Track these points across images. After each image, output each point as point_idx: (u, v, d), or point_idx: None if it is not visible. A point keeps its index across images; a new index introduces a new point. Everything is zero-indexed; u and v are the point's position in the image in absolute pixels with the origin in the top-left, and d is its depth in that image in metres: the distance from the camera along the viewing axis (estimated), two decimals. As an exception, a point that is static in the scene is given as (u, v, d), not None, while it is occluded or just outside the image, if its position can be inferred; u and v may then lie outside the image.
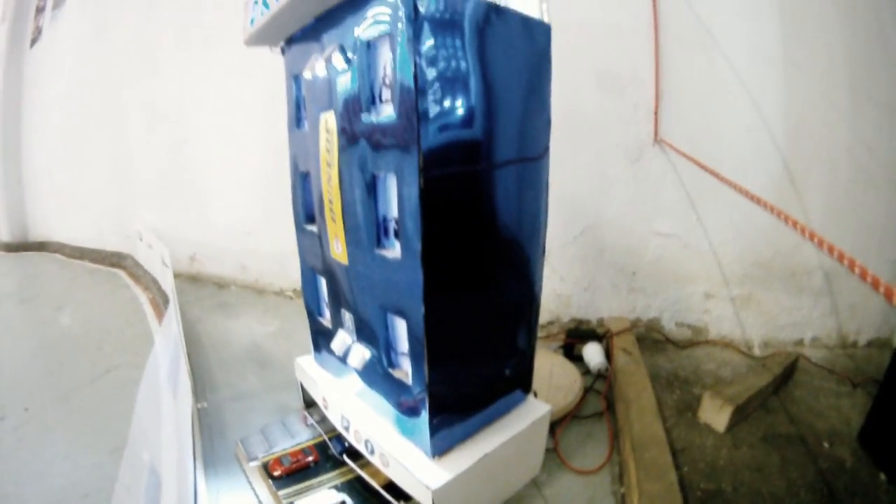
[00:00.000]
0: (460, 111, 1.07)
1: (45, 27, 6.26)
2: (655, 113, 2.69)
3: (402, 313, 1.22)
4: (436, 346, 1.17)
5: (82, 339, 3.76)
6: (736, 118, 2.63)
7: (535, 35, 1.29)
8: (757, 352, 2.71)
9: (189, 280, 4.40)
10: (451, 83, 1.05)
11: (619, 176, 2.77)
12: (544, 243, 1.52)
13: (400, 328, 1.31)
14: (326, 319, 1.83)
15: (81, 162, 5.60)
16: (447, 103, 1.05)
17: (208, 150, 4.00)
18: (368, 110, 1.13)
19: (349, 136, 1.22)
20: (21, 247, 7.13)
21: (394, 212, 1.18)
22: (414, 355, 1.22)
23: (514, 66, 1.20)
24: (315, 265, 1.70)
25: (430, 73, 1.02)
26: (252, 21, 1.40)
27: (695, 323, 2.78)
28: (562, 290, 2.89)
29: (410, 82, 0.99)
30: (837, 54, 2.51)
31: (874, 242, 2.64)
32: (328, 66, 1.25)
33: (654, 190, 2.71)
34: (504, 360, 1.48)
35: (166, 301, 3.57)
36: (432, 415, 1.24)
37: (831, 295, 2.67)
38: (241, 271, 4.01)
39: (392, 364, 1.45)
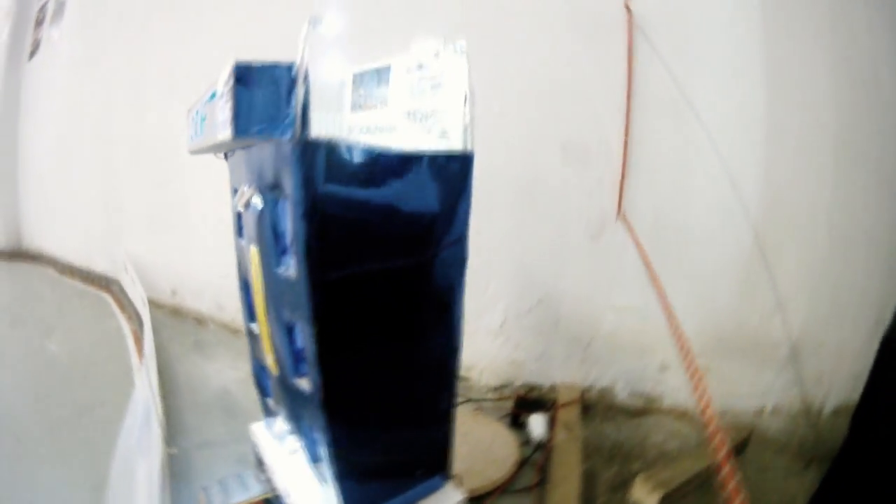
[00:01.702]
0: (356, 261, 1.33)
1: (44, 40, 6.74)
2: (620, 188, 2.91)
3: (319, 433, 1.56)
4: (342, 462, 1.50)
5: (70, 369, 4.20)
6: (707, 187, 2.79)
7: (448, 170, 1.45)
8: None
9: (170, 313, 4.82)
10: (348, 238, 1.29)
11: (578, 249, 3.01)
12: (456, 343, 1.73)
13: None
14: (272, 400, 2.18)
15: (73, 180, 6.07)
16: (344, 256, 1.31)
17: (191, 189, 4.39)
18: (278, 264, 1.45)
19: (268, 278, 1.56)
20: (15, 255, 7.69)
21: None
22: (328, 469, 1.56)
23: (420, 204, 1.41)
24: (259, 358, 2.06)
25: (328, 235, 1.27)
26: (191, 138, 1.73)
27: (649, 392, 3.05)
28: (515, 356, 3.19)
29: (303, 249, 1.23)
30: (824, 116, 2.64)
31: (849, 314, 2.77)
32: (249, 203, 1.57)
33: (615, 264, 2.93)
34: (414, 441, 1.77)
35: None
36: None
37: (797, 366, 2.81)
38: (218, 310, 4.40)
39: (316, 459, 1.79)
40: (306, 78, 1.15)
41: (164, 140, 4.59)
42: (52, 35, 6.56)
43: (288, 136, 1.15)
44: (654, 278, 2.37)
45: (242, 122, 1.13)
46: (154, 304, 4.64)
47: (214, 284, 4.35)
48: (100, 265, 5.76)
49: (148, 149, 4.72)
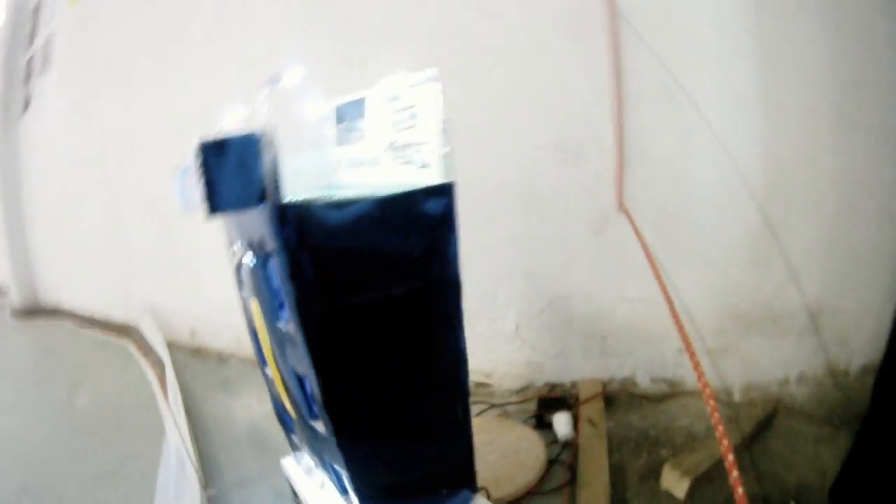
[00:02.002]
0: (349, 310, 1.39)
1: (35, 94, 6.92)
2: (618, 181, 2.91)
3: (340, 468, 1.63)
4: (366, 492, 1.57)
5: (100, 422, 4.33)
6: (708, 170, 2.79)
7: (429, 203, 1.49)
8: (737, 397, 2.92)
9: (192, 354, 4.94)
10: (338, 288, 1.35)
11: (583, 246, 3.03)
12: (461, 360, 1.73)
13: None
14: (295, 437, 2.26)
15: (81, 231, 6.23)
16: (336, 307, 1.38)
17: (198, 227, 4.49)
18: (277, 318, 1.52)
19: (271, 330, 1.63)
20: (33, 311, 7.90)
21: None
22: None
23: (405, 240, 1.46)
24: (277, 398, 2.14)
25: (317, 290, 1.33)
26: (179, 203, 1.79)
27: (670, 377, 3.08)
28: (533, 358, 3.24)
29: (294, 307, 1.29)
30: (822, 82, 2.62)
31: (864, 275, 2.76)
32: (241, 262, 1.64)
33: (621, 257, 2.94)
34: (434, 463, 1.82)
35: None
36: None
37: (818, 333, 2.80)
38: (238, 345, 4.51)
39: (343, 491, 1.86)
40: (272, 143, 1.20)
41: (166, 181, 4.68)
42: (43, 87, 6.72)
43: (262, 206, 1.20)
44: (652, 266, 2.39)
45: (215, 201, 1.19)
46: (175, 347, 4.77)
47: (232, 320, 4.45)
48: (118, 314, 5.92)
49: (151, 192, 4.84)
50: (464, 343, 1.70)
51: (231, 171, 1.20)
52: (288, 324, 1.41)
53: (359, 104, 1.95)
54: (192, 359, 4.84)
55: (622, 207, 2.89)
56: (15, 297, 8.12)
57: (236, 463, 3.45)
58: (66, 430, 4.41)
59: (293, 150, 2.11)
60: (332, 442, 1.48)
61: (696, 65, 2.76)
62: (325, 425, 1.47)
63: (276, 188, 1.22)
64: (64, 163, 6.28)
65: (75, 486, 3.71)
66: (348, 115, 2.05)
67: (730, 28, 2.70)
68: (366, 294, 1.38)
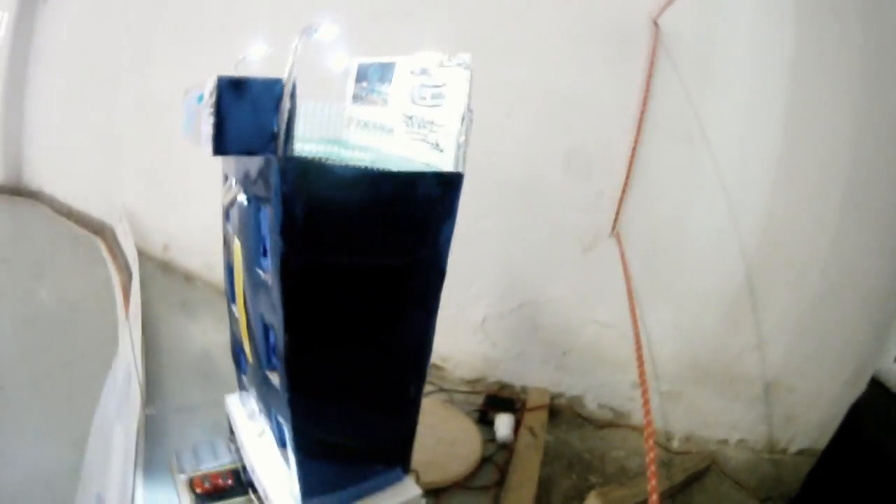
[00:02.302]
0: (332, 272, 1.39)
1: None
2: (619, 205, 2.93)
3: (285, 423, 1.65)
4: (304, 451, 1.60)
5: (57, 318, 4.32)
6: (707, 215, 2.83)
7: (435, 189, 1.49)
8: (676, 444, 3.02)
9: (160, 267, 4.92)
10: (325, 248, 1.33)
11: (568, 260, 3.08)
12: (426, 347, 1.80)
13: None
14: (246, 378, 2.28)
15: (77, 125, 6.12)
16: (319, 266, 1.37)
17: (191, 149, 4.44)
18: (258, 265, 1.53)
19: (248, 273, 1.64)
20: (14, 191, 7.77)
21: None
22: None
23: (402, 218, 1.46)
24: (238, 337, 2.15)
25: (305, 250, 1.34)
26: (183, 128, 1.77)
27: (618, 407, 3.16)
28: (491, 354, 3.30)
29: (279, 265, 1.27)
30: (840, 162, 2.67)
31: (829, 361, 2.86)
32: (234, 200, 1.64)
33: (602, 279, 2.99)
34: (377, 436, 1.86)
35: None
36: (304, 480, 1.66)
37: (768, 404, 2.92)
38: (207, 269, 4.49)
39: (282, 444, 1.90)
40: (293, 94, 1.19)
41: (169, 96, 4.61)
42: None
43: (269, 154, 1.20)
44: (630, 297, 2.44)
45: (223, 142, 1.19)
46: (145, 257, 4.74)
47: (206, 244, 4.43)
48: (96, 210, 5.86)
49: (152, 103, 4.76)
50: (433, 328, 1.73)
51: (245, 114, 1.20)
52: (266, 273, 1.42)
53: (387, 68, 1.93)
54: (159, 272, 4.82)
55: (615, 232, 2.92)
56: (-1, 171, 7.97)
57: (181, 387, 3.48)
58: (22, 319, 4.38)
59: (310, 98, 2.12)
60: (284, 397, 1.51)
61: (723, 109, 2.78)
62: (281, 379, 1.49)
63: (287, 140, 1.21)
64: (74, 57, 6.14)
65: (19, 379, 3.70)
66: (372, 75, 2.03)
67: (766, 83, 2.71)
68: (350, 258, 1.39)
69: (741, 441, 2.98)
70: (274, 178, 1.16)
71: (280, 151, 1.22)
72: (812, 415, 2.87)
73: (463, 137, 1.45)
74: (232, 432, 2.76)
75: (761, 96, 2.70)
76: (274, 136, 1.22)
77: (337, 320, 1.46)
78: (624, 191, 2.89)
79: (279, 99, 1.20)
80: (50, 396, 3.51)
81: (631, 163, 2.86)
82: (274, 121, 1.21)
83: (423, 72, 1.71)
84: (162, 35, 4.74)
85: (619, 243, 2.85)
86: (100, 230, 5.80)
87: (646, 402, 1.99)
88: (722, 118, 2.76)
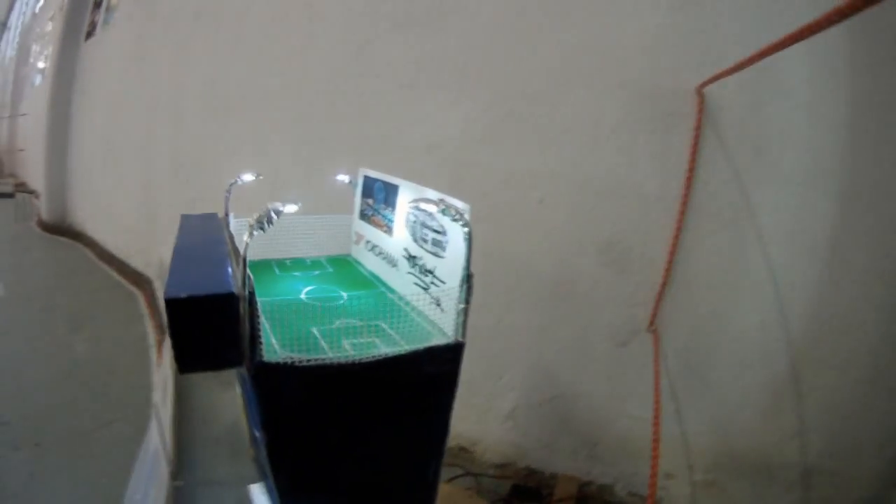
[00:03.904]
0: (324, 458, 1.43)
1: (100, 24, 7.08)
2: (657, 300, 2.80)
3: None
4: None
5: (93, 375, 4.55)
6: (752, 311, 2.67)
7: (431, 365, 1.43)
8: None
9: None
10: (313, 436, 1.37)
11: (601, 354, 3.00)
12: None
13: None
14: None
15: (116, 172, 6.49)
16: (309, 456, 1.40)
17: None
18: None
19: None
20: (59, 230, 8.23)
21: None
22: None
23: (396, 398, 1.45)
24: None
25: (288, 441, 1.35)
26: None
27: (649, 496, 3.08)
28: (521, 442, 3.31)
29: (266, 455, 1.34)
30: (887, 248, 2.49)
31: (871, 447, 2.68)
32: None
33: (637, 375, 2.89)
34: None
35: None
36: None
37: (805, 489, 2.79)
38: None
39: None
40: (251, 300, 1.18)
41: (200, 155, 4.81)
42: (108, 20, 6.88)
43: (238, 365, 1.21)
44: (656, 398, 2.41)
45: (186, 362, 1.19)
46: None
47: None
48: (136, 262, 6.11)
49: (181, 163, 4.96)
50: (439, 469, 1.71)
51: (203, 329, 1.17)
52: (261, 444, 1.44)
53: (391, 191, 1.96)
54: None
55: (652, 327, 2.84)
56: (44, 210, 8.45)
57: (210, 460, 3.60)
58: (60, 373, 4.64)
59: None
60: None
61: (773, 192, 2.59)
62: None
63: (255, 348, 1.20)
64: (113, 99, 6.49)
65: (55, 436, 3.91)
66: (378, 194, 2.07)
67: (819, 163, 2.52)
68: (339, 440, 1.42)
69: None
70: (249, 384, 1.17)
71: (247, 361, 1.22)
72: (851, 496, 2.74)
73: (462, 305, 1.43)
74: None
75: (816, 175, 2.51)
76: (240, 351, 1.21)
77: (326, 472, 1.47)
78: (664, 284, 2.76)
79: (236, 308, 1.18)
80: (84, 457, 3.73)
81: (672, 253, 2.73)
82: (237, 331, 1.19)
83: (422, 208, 1.65)
84: (192, 89, 4.97)
85: (656, 340, 2.77)
86: (139, 283, 6.08)
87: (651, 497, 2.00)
88: (771, 204, 2.58)
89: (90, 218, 7.63)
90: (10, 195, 13.29)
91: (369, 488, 1.65)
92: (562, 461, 3.22)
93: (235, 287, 1.20)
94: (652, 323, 2.82)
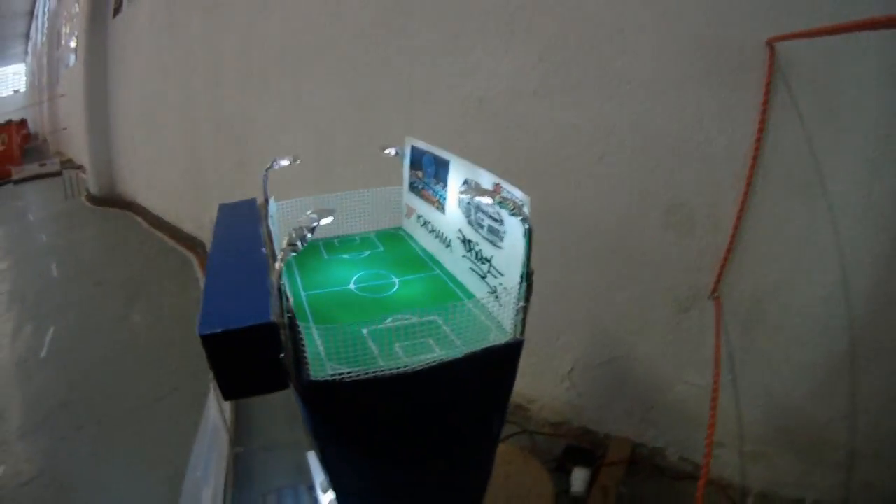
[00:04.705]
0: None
1: (126, 1, 7.12)
2: (722, 266, 2.71)
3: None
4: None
5: (149, 347, 4.76)
6: (816, 285, 2.55)
7: (488, 365, 1.39)
8: (750, 502, 2.93)
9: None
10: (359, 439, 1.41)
11: (662, 319, 2.95)
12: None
13: None
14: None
15: (160, 142, 6.64)
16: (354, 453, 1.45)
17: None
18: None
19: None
20: (106, 201, 8.53)
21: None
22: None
23: (447, 403, 1.44)
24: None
25: (337, 446, 1.41)
26: None
27: (699, 461, 3.09)
28: (577, 402, 3.37)
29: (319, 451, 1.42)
30: None
31: None
32: None
33: (696, 342, 2.86)
34: None
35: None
36: None
37: (849, 470, 2.73)
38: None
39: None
40: (292, 325, 1.15)
41: (242, 118, 4.87)
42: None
43: (284, 388, 1.22)
44: (716, 367, 2.41)
45: (230, 391, 1.20)
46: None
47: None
48: (188, 226, 6.28)
49: (226, 125, 5.08)
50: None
51: (245, 361, 1.16)
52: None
53: (441, 166, 1.86)
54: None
55: (715, 294, 2.75)
56: (91, 184, 8.75)
57: (270, 424, 3.74)
58: (117, 348, 4.87)
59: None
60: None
61: (845, 162, 2.38)
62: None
63: (300, 367, 1.17)
64: (148, 72, 6.57)
65: (116, 410, 4.11)
66: (427, 167, 1.99)
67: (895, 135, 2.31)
68: (391, 444, 1.44)
69: (815, 502, 2.82)
70: (300, 401, 1.20)
71: (294, 380, 1.21)
72: (893, 485, 2.69)
73: (522, 304, 1.36)
74: (311, 488, 2.99)
75: (888, 146, 2.27)
76: (284, 374, 1.20)
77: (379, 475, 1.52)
78: (728, 250, 2.65)
79: (276, 335, 1.15)
80: (143, 430, 3.92)
81: (738, 218, 2.60)
82: (278, 357, 1.17)
83: (475, 189, 1.48)
84: (228, 55, 5.02)
85: (718, 308, 2.69)
86: (193, 246, 6.26)
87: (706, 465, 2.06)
88: (843, 169, 2.38)
89: (139, 187, 7.88)
90: (57, 173, 13.89)
91: (424, 488, 1.66)
92: (616, 423, 3.28)
93: (273, 313, 1.16)
94: (715, 290, 2.74)
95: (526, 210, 1.32)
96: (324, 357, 1.30)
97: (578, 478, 2.95)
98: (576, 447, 3.22)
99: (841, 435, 2.65)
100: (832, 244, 2.45)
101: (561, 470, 3.07)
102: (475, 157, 1.66)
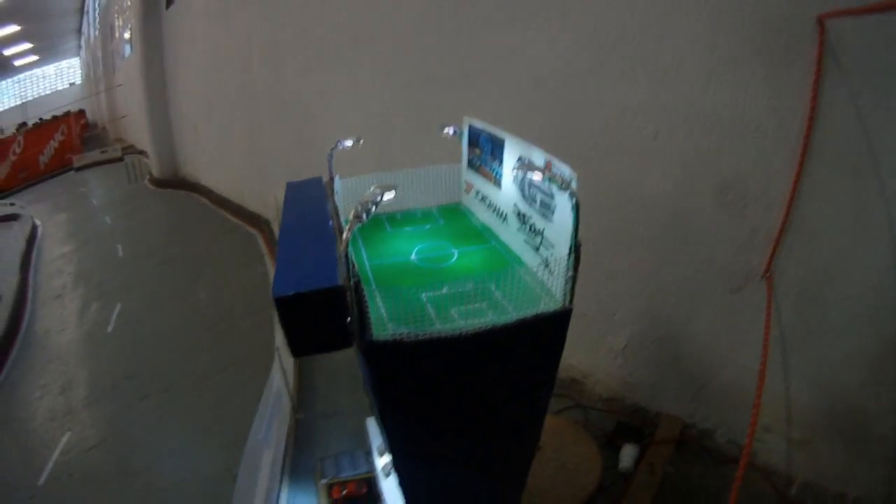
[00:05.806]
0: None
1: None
2: (774, 246, 2.69)
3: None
4: None
5: (214, 321, 5.04)
6: (867, 269, 2.51)
7: (537, 332, 1.49)
8: (794, 491, 2.90)
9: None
10: (418, 402, 1.54)
11: (715, 300, 2.97)
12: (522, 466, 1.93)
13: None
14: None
15: (221, 124, 6.97)
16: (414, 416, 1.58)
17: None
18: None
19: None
20: (170, 184, 8.99)
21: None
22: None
23: (500, 363, 1.54)
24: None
25: (397, 407, 1.53)
26: None
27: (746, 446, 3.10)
28: (630, 379, 3.44)
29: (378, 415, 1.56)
30: None
31: None
32: None
33: (748, 322, 2.83)
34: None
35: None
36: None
37: (892, 468, 2.66)
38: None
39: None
40: (357, 289, 1.28)
41: (300, 100, 5.09)
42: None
43: (348, 346, 1.37)
44: (765, 349, 2.41)
45: (298, 349, 1.35)
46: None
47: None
48: (252, 204, 6.57)
49: (285, 107, 5.32)
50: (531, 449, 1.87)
51: (314, 319, 1.31)
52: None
53: (497, 145, 1.97)
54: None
55: (767, 275, 2.74)
56: (154, 168, 9.25)
57: (331, 391, 3.95)
58: (182, 320, 5.17)
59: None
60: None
61: None
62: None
63: (364, 328, 1.31)
64: (206, 59, 6.91)
65: (179, 381, 4.37)
66: (484, 145, 2.10)
67: None
68: (446, 406, 1.57)
69: (857, 499, 2.76)
70: (362, 359, 1.32)
71: (357, 341, 1.35)
72: None
73: (571, 273, 1.49)
74: (369, 452, 3.18)
75: None
76: (348, 334, 1.34)
77: (435, 433, 1.66)
78: (781, 230, 2.64)
79: (342, 298, 1.29)
80: (206, 399, 4.18)
81: (791, 198, 2.58)
82: (346, 318, 1.32)
83: (529, 165, 1.68)
84: (285, 41, 5.26)
85: (769, 289, 2.68)
86: (257, 224, 6.54)
87: (748, 446, 2.10)
88: None
89: (202, 169, 8.23)
90: (119, 159, 14.69)
91: (474, 453, 1.80)
92: (667, 401, 3.34)
93: (340, 277, 1.31)
94: (767, 270, 2.72)
95: (574, 185, 1.43)
96: (386, 319, 1.47)
97: (627, 454, 3.06)
98: (626, 423, 3.32)
99: (888, 429, 2.60)
100: (885, 228, 2.40)
101: (611, 445, 3.18)
102: (530, 136, 1.75)
